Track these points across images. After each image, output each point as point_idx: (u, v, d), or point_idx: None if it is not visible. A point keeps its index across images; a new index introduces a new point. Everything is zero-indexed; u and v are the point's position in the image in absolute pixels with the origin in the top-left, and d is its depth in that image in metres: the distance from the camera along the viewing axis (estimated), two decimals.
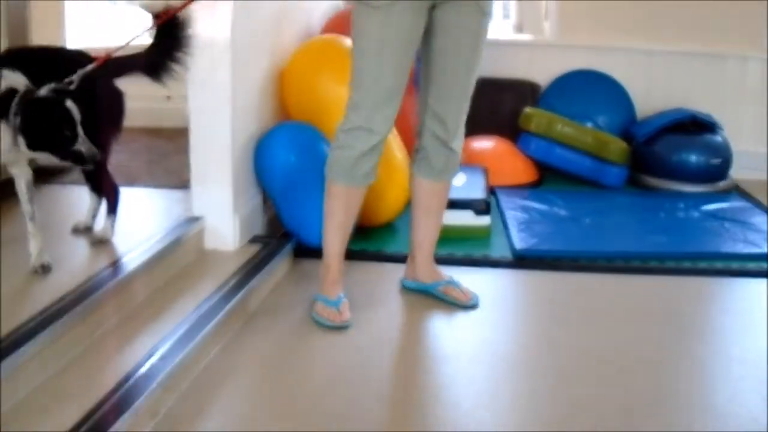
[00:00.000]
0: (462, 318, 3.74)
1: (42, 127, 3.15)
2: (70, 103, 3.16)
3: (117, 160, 3.88)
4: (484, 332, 3.59)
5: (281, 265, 4.05)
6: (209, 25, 3.83)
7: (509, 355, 3.44)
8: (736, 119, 6.63)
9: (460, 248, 4.52)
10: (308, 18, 5.26)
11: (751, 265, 4.58)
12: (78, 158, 3.23)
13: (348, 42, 4.65)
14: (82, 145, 3.18)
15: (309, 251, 4.24)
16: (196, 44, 3.57)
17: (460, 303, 3.85)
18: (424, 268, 3.93)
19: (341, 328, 3.56)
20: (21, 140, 3.19)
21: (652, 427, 2.88)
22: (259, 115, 4.29)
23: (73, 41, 5.97)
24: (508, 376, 3.30)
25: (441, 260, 4.03)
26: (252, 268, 3.77)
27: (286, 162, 4.17)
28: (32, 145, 3.20)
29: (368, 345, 3.45)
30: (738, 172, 6.43)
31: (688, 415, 2.98)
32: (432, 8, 3.51)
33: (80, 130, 3.18)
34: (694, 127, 6.31)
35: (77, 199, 4.03)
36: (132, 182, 4.53)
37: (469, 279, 3.96)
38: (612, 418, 2.93)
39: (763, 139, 6.72)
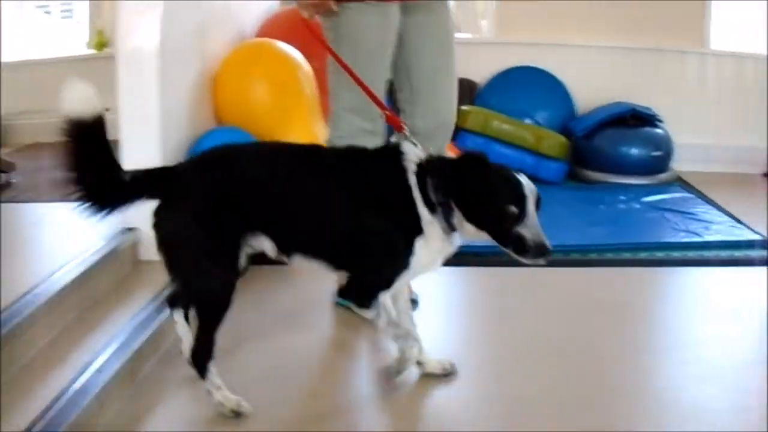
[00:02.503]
0: None
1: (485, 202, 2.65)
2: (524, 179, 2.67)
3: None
4: (423, 329, 3.55)
5: None
6: (138, 32, 3.78)
7: (449, 351, 3.39)
8: (675, 113, 6.65)
9: None
10: (241, 22, 5.19)
11: (692, 254, 4.56)
12: (519, 246, 2.65)
13: (281, 45, 4.64)
14: (529, 229, 2.63)
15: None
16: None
17: None
18: None
19: None
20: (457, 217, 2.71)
21: (596, 415, 2.81)
22: (191, 122, 4.20)
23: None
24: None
25: None
26: None
27: None
28: (470, 218, 2.68)
29: (311, 346, 3.39)
30: (679, 165, 6.48)
31: (630, 402, 2.92)
32: (403, 10, 3.41)
33: (531, 209, 2.65)
34: (634, 120, 6.33)
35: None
36: (67, 196, 4.42)
37: None
38: (555, 408, 2.86)
39: (702, 132, 6.79)
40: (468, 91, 6.57)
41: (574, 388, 3.05)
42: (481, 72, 6.74)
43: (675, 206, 5.50)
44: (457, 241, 2.78)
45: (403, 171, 2.69)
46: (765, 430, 2.76)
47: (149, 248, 3.79)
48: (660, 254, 4.53)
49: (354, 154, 2.86)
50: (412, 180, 2.68)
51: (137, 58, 3.74)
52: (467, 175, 2.65)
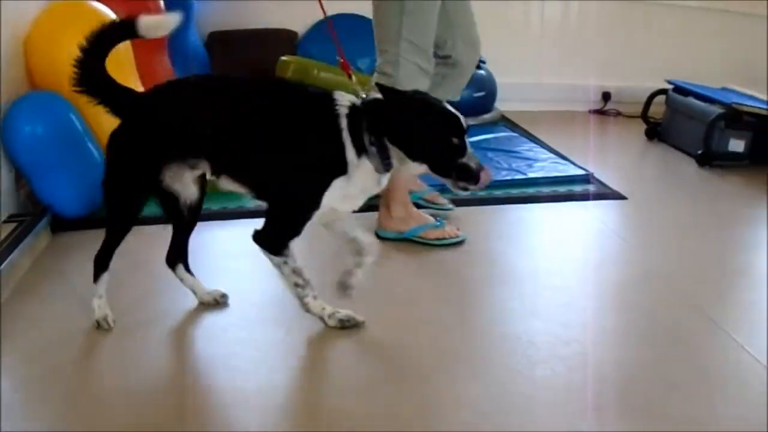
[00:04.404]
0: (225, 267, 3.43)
1: None
2: None
3: None
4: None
5: (38, 241, 3.77)
6: None
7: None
8: (500, 54, 6.72)
9: (232, 201, 4.24)
10: None
11: (515, 192, 4.59)
12: (464, 175, 2.74)
13: (94, 4, 4.49)
14: (470, 158, 2.75)
15: (66, 224, 4.02)
16: None
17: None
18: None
19: (462, 241, 3.85)
20: None
21: (422, 348, 2.81)
22: (1, 88, 4.07)
23: None
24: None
25: (210, 216, 3.97)
26: (5, 249, 3.54)
27: (33, 134, 3.92)
28: (412, 154, 2.75)
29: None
30: (505, 105, 6.55)
31: (456, 337, 2.92)
32: None
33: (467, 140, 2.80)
34: None
35: None
36: None
37: (242, 230, 3.82)
38: (378, 345, 2.85)
39: (525, 72, 6.90)
40: (288, 41, 6.50)
41: (398, 322, 3.05)
42: (301, 21, 6.65)
43: (499, 145, 5.52)
44: (384, 181, 2.85)
45: (333, 115, 2.71)
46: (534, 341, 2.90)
47: None
48: (482, 193, 4.48)
49: (291, 92, 2.88)
50: (343, 123, 2.71)
51: None
52: (408, 112, 2.71)
